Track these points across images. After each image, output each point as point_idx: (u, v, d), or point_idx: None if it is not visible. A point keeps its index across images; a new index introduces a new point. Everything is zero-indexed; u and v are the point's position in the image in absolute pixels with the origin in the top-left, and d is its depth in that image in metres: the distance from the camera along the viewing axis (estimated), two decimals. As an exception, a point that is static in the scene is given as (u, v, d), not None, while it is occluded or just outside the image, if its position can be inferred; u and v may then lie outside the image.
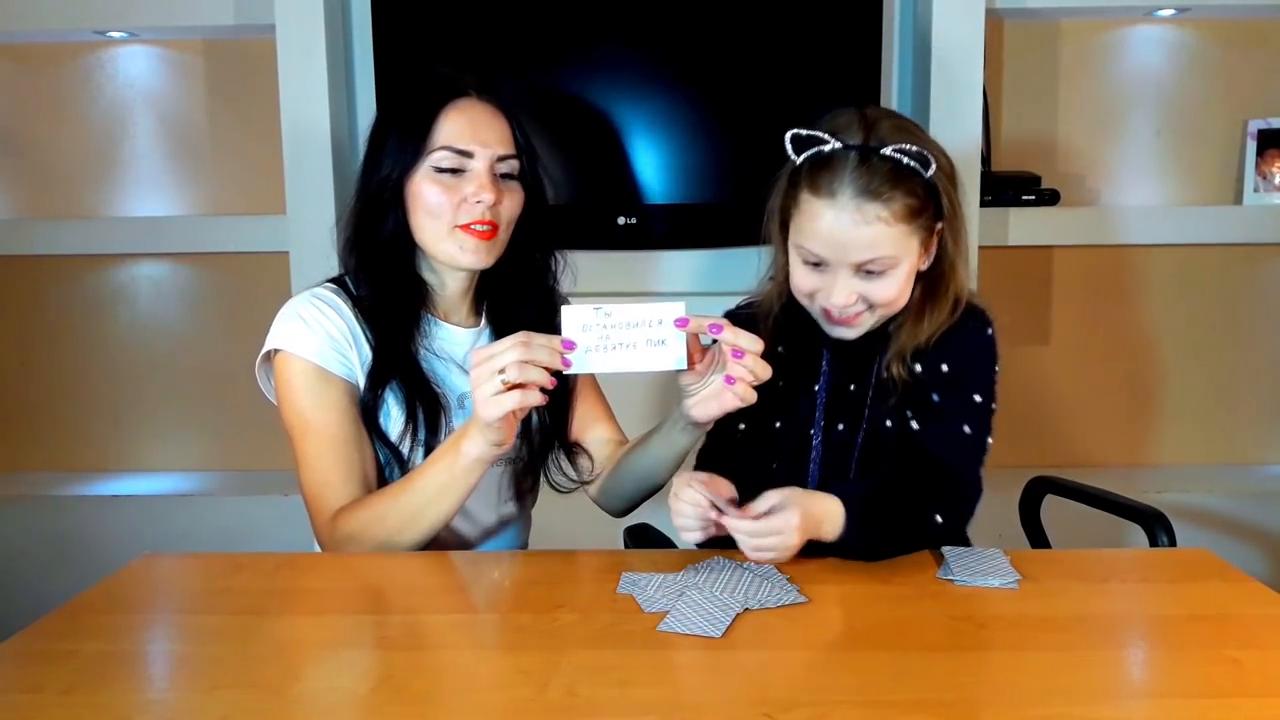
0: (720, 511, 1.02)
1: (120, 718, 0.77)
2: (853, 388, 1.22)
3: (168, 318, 2.47)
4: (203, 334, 2.47)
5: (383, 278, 1.25)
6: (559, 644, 0.88)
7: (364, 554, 1.14)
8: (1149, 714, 0.78)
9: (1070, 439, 2.44)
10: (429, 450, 1.20)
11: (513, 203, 1.24)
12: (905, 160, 1.10)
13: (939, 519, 1.11)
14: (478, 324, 1.33)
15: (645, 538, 1.43)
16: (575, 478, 1.34)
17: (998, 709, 0.76)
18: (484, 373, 1.01)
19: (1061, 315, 2.41)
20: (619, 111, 2.15)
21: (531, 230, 1.29)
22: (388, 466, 1.23)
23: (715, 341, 1.04)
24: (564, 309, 1.02)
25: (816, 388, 1.24)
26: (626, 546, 1.44)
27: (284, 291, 2.10)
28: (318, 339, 1.20)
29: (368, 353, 1.22)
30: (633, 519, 1.40)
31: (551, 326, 1.05)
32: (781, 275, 1.23)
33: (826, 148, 1.11)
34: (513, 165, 1.24)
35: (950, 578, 1.01)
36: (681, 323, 1.01)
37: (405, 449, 1.22)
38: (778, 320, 1.25)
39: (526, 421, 1.28)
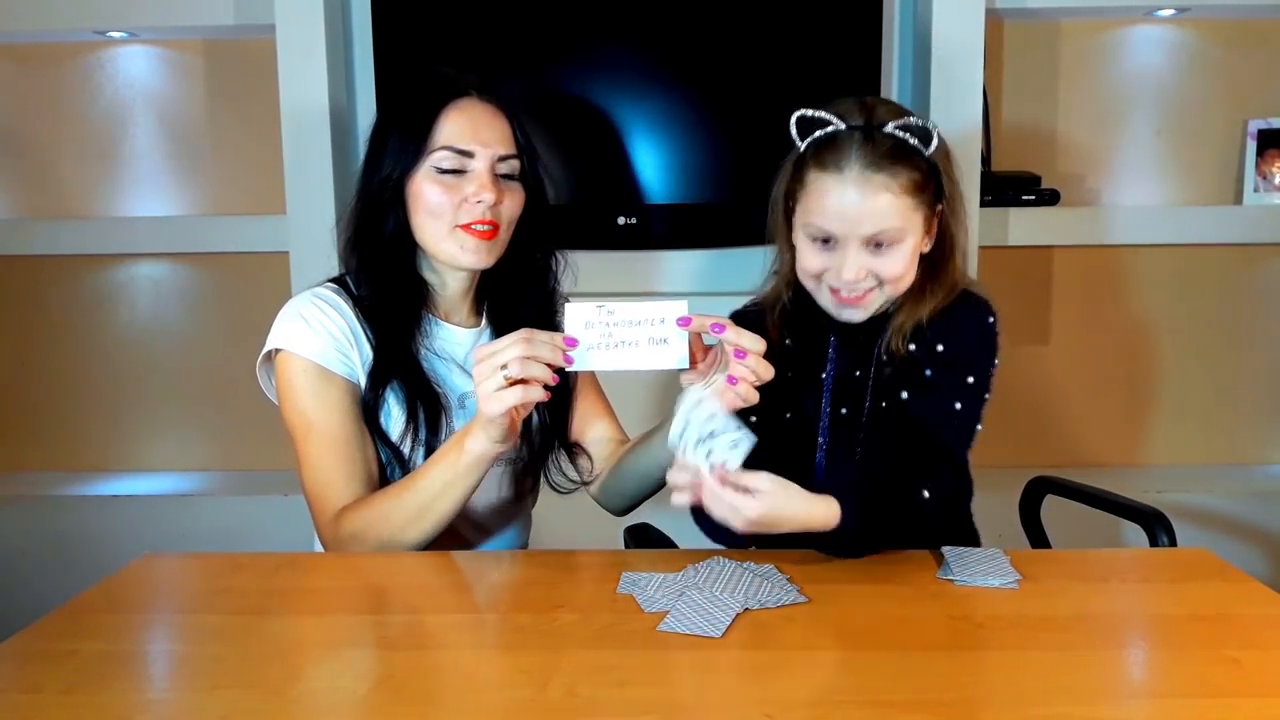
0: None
1: (120, 718, 0.77)
2: (858, 373, 1.23)
3: (168, 318, 2.47)
4: (203, 334, 2.47)
5: (384, 277, 1.25)
6: (559, 644, 0.88)
7: (364, 554, 1.14)
8: (1149, 714, 0.78)
9: (1070, 439, 2.44)
10: (430, 450, 1.20)
11: (513, 203, 1.24)
12: (907, 137, 1.14)
13: (926, 494, 1.10)
14: (478, 324, 1.33)
15: (646, 537, 1.43)
16: (575, 478, 1.34)
17: (998, 709, 0.76)
18: (487, 369, 1.02)
19: (1061, 315, 2.41)
20: (619, 111, 2.15)
21: (532, 230, 1.29)
22: (389, 466, 1.23)
23: (719, 341, 1.04)
24: (568, 306, 1.03)
25: (824, 375, 1.25)
26: (627, 546, 1.44)
27: (284, 291, 2.10)
28: (319, 338, 1.20)
29: (369, 352, 1.23)
30: (633, 518, 1.40)
31: (552, 327, 1.06)
32: (786, 267, 1.25)
33: (830, 128, 1.15)
34: (513, 165, 1.24)
35: (950, 578, 1.01)
36: (684, 322, 1.01)
37: (406, 449, 1.22)
38: (784, 312, 1.27)
39: (527, 421, 1.28)
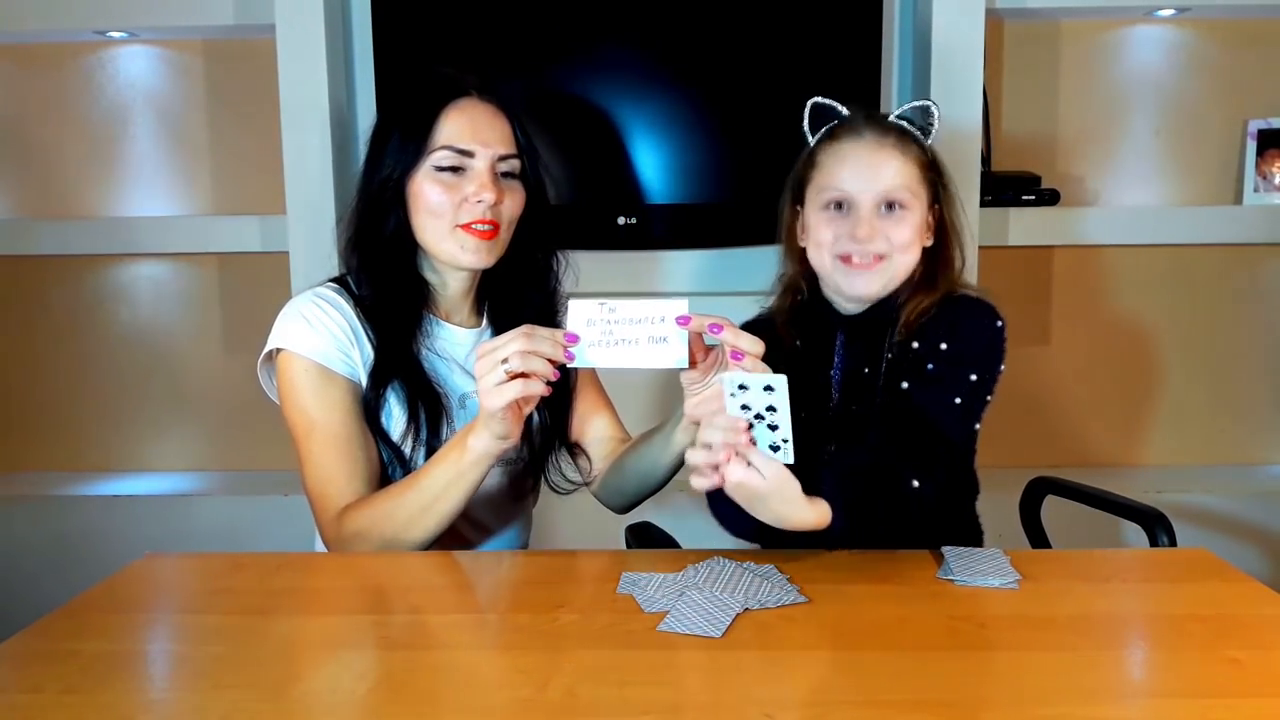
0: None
1: (121, 718, 0.77)
2: (867, 370, 1.25)
3: (168, 318, 2.47)
4: (203, 334, 2.47)
5: (384, 277, 1.25)
6: (559, 644, 0.88)
7: (364, 554, 1.15)
8: (1149, 714, 0.78)
9: (1070, 439, 2.44)
10: (430, 451, 1.21)
11: (514, 202, 1.24)
12: (909, 127, 1.25)
13: (916, 484, 1.09)
14: (479, 324, 1.33)
15: (647, 536, 1.43)
16: (575, 479, 1.34)
17: (998, 709, 0.76)
18: (488, 364, 1.02)
19: (1061, 315, 2.41)
20: (619, 111, 2.15)
21: (533, 230, 1.29)
22: (390, 466, 1.23)
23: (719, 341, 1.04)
24: (570, 302, 1.03)
25: (832, 372, 1.27)
26: (628, 544, 1.44)
27: (284, 291, 2.11)
28: (320, 338, 1.20)
29: (369, 352, 1.23)
30: (634, 516, 1.40)
31: (553, 326, 1.06)
32: (793, 272, 1.30)
33: (842, 113, 1.28)
34: (514, 165, 1.25)
35: (950, 578, 1.01)
36: (683, 320, 1.01)
37: (407, 449, 1.22)
38: (792, 314, 1.30)
39: (528, 421, 1.28)
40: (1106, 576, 1.06)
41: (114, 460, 2.51)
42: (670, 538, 1.41)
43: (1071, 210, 2.31)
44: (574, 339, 1.01)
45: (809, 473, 1.02)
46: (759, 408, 0.96)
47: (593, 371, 1.39)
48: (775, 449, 0.98)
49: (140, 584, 1.07)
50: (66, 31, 2.30)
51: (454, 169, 1.21)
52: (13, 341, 2.49)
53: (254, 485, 2.37)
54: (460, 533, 1.27)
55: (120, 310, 2.47)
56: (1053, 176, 2.31)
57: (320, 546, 1.26)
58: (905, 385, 1.19)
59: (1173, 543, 1.36)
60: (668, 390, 2.11)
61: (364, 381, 1.22)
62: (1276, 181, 2.31)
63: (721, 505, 1.07)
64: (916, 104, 1.27)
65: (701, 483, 0.99)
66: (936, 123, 1.27)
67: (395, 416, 1.23)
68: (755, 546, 1.14)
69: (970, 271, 1.38)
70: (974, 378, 1.18)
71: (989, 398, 1.20)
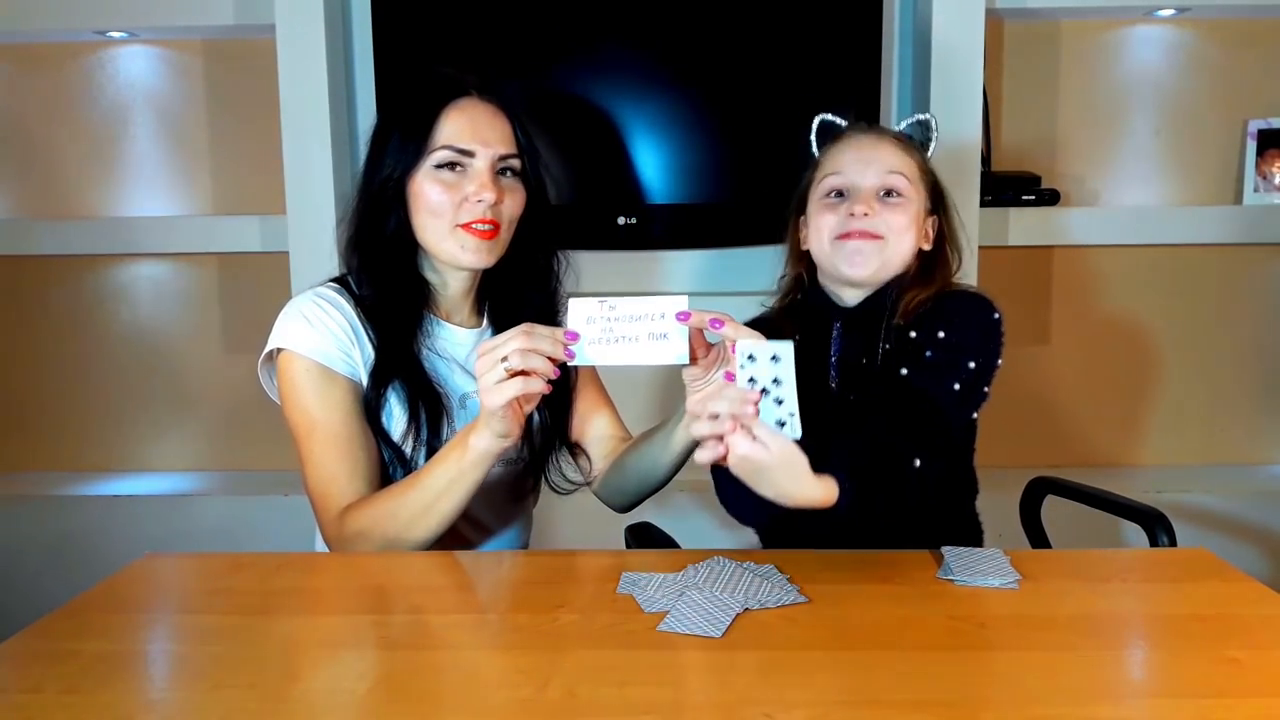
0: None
1: (121, 718, 0.77)
2: (864, 359, 1.26)
3: (168, 318, 2.47)
4: (203, 334, 2.47)
5: (385, 277, 1.25)
6: (559, 644, 0.88)
7: (364, 554, 1.15)
8: (1149, 714, 0.78)
9: (1070, 439, 2.44)
10: (431, 451, 1.21)
11: (514, 202, 1.24)
12: (910, 136, 1.32)
13: (918, 463, 1.08)
14: (480, 324, 1.33)
15: (647, 536, 1.43)
16: (576, 479, 1.34)
17: (998, 709, 0.76)
18: (488, 362, 1.02)
19: (1061, 315, 2.41)
20: (619, 111, 2.15)
21: (533, 230, 1.29)
22: (390, 466, 1.23)
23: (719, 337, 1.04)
24: (571, 300, 1.02)
25: (830, 358, 1.29)
26: (628, 544, 1.44)
27: (284, 291, 2.11)
28: (321, 338, 1.20)
29: (370, 351, 1.23)
30: (634, 516, 1.40)
31: (554, 325, 1.06)
32: (794, 270, 1.34)
33: (843, 124, 1.34)
34: (514, 165, 1.25)
35: (950, 578, 1.01)
36: (683, 316, 1.01)
37: (408, 449, 1.22)
38: (792, 308, 1.34)
39: (528, 421, 1.28)
40: (1106, 576, 1.06)
41: (114, 460, 2.51)
42: (670, 538, 1.41)
43: (1071, 210, 2.31)
44: (574, 337, 1.01)
45: (811, 453, 1.00)
46: (765, 381, 0.96)
47: (593, 370, 1.39)
48: (781, 424, 0.97)
49: (140, 584, 1.07)
50: (66, 31, 2.30)
51: (454, 168, 1.21)
52: (13, 341, 2.49)
53: (254, 485, 2.37)
54: (461, 533, 1.27)
55: (120, 310, 2.47)
56: (1052, 176, 2.31)
57: (321, 546, 1.26)
58: (904, 372, 1.20)
59: (1173, 543, 1.36)
60: (668, 389, 2.11)
61: (365, 381, 1.22)
62: (1276, 181, 2.31)
63: (727, 486, 1.05)
64: (915, 119, 1.33)
65: (706, 455, 0.95)
66: (935, 137, 1.33)
67: (396, 416, 1.23)
68: (755, 546, 1.14)
69: (970, 274, 1.39)
70: (972, 365, 1.18)
71: (986, 389, 1.20)
